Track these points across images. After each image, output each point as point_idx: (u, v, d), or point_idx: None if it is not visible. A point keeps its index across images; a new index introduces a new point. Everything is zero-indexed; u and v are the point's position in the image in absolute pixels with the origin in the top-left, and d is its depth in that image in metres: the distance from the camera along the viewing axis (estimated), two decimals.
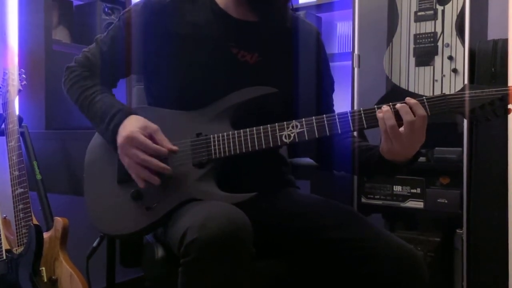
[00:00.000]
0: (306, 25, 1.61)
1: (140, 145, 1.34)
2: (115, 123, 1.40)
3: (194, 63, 1.46)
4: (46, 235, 2.00)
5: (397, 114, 1.27)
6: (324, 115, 1.32)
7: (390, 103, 1.29)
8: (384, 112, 1.28)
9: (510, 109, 1.23)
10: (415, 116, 1.26)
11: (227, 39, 1.47)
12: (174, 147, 1.37)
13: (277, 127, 1.34)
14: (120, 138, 1.37)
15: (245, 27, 1.49)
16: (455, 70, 2.28)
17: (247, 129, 1.36)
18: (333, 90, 1.64)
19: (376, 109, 1.29)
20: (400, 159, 1.34)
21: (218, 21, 1.48)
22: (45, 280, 1.95)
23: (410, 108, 1.26)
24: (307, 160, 1.70)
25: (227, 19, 1.48)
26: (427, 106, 1.27)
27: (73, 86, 1.52)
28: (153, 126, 1.38)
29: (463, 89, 1.26)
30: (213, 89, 1.44)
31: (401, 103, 1.28)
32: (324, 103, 1.58)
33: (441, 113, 1.27)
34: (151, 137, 1.36)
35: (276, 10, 1.46)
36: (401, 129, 1.27)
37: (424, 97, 1.28)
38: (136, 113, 1.42)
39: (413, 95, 2.34)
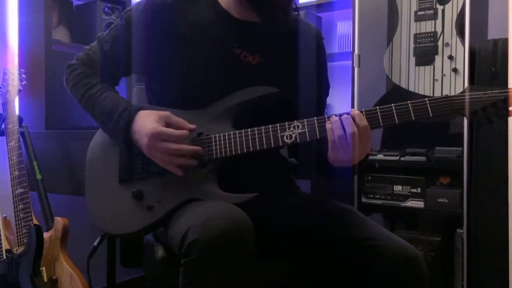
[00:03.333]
0: (310, 28, 1.61)
1: (166, 137, 1.36)
2: (125, 122, 1.41)
3: (196, 63, 1.46)
4: (46, 235, 2.00)
5: (343, 125, 1.29)
6: (326, 116, 1.33)
7: (338, 113, 1.31)
8: (333, 122, 1.29)
9: (511, 111, 1.24)
10: (358, 127, 1.27)
11: (230, 39, 1.47)
12: (192, 126, 1.40)
13: (278, 128, 1.35)
14: (144, 138, 1.37)
15: (247, 28, 1.49)
16: (455, 70, 2.28)
17: (249, 129, 1.36)
18: (327, 95, 1.65)
19: (378, 110, 1.30)
20: (345, 165, 1.35)
21: (221, 21, 1.48)
22: (45, 280, 1.95)
23: (353, 119, 1.28)
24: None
25: (229, 20, 1.48)
26: (429, 108, 1.27)
27: (76, 85, 1.52)
28: (164, 113, 1.40)
29: (465, 90, 1.26)
30: (214, 89, 1.44)
31: (346, 114, 1.30)
32: (317, 107, 1.59)
33: (444, 115, 1.27)
34: (167, 124, 1.38)
35: (279, 11, 1.45)
36: (348, 140, 1.28)
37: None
38: (142, 108, 1.43)
39: (414, 95, 2.36)
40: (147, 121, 1.38)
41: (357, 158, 1.33)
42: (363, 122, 1.28)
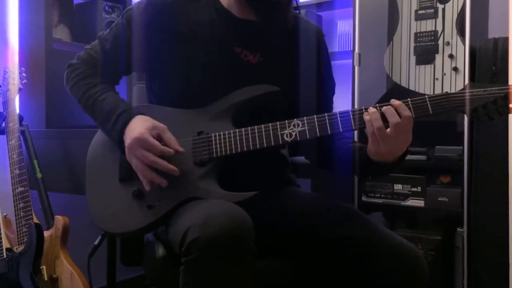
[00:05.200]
0: (310, 26, 1.61)
1: (148, 146, 1.34)
2: (122, 124, 1.40)
3: (197, 62, 1.46)
4: (46, 233, 2.00)
5: (383, 116, 1.27)
6: (326, 114, 1.32)
7: (377, 104, 1.30)
8: (371, 113, 1.28)
9: (511, 108, 1.23)
10: (400, 117, 1.26)
11: (230, 38, 1.47)
12: (180, 149, 1.37)
13: (278, 126, 1.34)
14: (128, 139, 1.36)
15: (248, 27, 1.49)
16: (455, 69, 2.28)
17: (249, 128, 1.36)
18: (333, 93, 1.64)
19: (378, 107, 1.29)
20: (387, 159, 1.34)
21: (222, 20, 1.48)
22: (46, 278, 1.95)
23: (395, 109, 1.27)
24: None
25: (230, 19, 1.48)
26: (429, 105, 1.26)
27: (76, 84, 1.52)
28: (161, 125, 1.38)
29: (465, 87, 1.26)
30: (215, 88, 1.44)
31: (387, 105, 1.28)
32: (324, 106, 1.58)
33: (444, 112, 1.27)
34: (159, 136, 1.36)
35: (278, 10, 1.45)
36: (388, 130, 1.27)
37: (408, 99, 1.28)
38: (142, 113, 1.42)
39: (414, 94, 2.36)
40: (139, 126, 1.37)
41: (399, 150, 1.32)
42: (407, 112, 1.27)
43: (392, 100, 1.29)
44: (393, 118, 1.26)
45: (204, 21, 1.48)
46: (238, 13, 1.48)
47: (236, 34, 1.48)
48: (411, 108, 1.27)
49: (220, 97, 1.43)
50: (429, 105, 1.27)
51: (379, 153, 1.32)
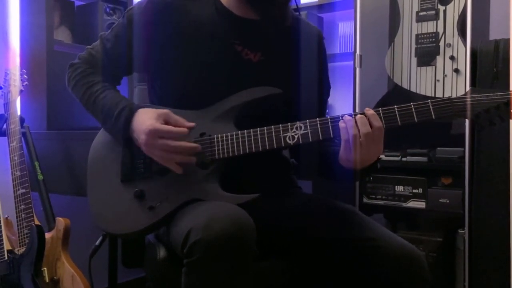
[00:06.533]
0: (311, 28, 1.61)
1: (164, 134, 1.35)
2: (125, 120, 1.40)
3: (199, 61, 1.46)
4: (48, 235, 2.00)
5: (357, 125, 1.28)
6: (329, 117, 1.32)
7: (353, 113, 1.30)
8: (347, 121, 1.29)
9: None
10: (371, 127, 1.27)
11: (231, 37, 1.47)
12: (191, 124, 1.38)
13: (281, 128, 1.34)
14: (142, 135, 1.37)
15: (248, 25, 1.49)
16: (456, 70, 2.28)
17: (251, 130, 1.36)
18: (328, 96, 1.65)
19: (380, 111, 1.29)
20: (357, 167, 1.34)
21: (222, 19, 1.48)
22: (47, 280, 1.96)
23: (368, 119, 1.28)
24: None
25: (230, 17, 1.48)
26: (432, 110, 1.26)
27: (77, 84, 1.53)
28: (164, 111, 1.39)
29: (467, 93, 1.26)
30: (216, 87, 1.44)
31: (361, 113, 1.29)
32: (317, 108, 1.58)
33: (446, 117, 1.26)
34: (166, 122, 1.37)
35: (277, 9, 1.45)
36: (360, 139, 1.28)
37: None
38: (142, 107, 1.43)
39: (415, 95, 2.36)
40: (146, 119, 1.38)
41: (369, 159, 1.33)
42: (378, 123, 1.28)
43: (367, 108, 1.30)
44: (364, 127, 1.27)
45: (205, 20, 1.48)
46: (238, 11, 1.48)
47: (237, 32, 1.48)
48: (414, 112, 1.27)
49: (222, 96, 1.43)
50: (432, 110, 1.26)
51: (349, 160, 1.32)
